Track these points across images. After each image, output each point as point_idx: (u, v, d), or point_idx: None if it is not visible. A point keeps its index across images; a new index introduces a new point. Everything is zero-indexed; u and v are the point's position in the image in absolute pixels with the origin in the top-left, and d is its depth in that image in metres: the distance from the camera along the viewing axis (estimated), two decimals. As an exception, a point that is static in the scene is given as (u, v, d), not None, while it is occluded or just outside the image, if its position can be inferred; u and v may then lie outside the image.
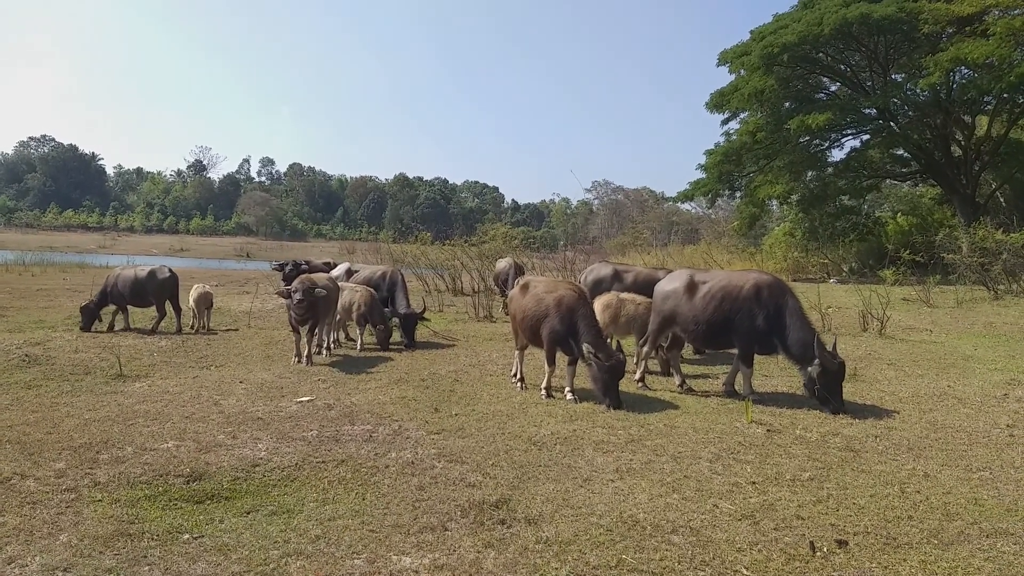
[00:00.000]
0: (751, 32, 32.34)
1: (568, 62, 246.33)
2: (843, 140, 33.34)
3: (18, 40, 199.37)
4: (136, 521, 5.11)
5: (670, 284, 9.76)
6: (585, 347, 8.61)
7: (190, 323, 14.92)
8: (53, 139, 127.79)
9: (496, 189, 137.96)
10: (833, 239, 32.05)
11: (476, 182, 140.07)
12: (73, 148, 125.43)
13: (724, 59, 33.16)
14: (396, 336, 13.55)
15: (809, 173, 33.25)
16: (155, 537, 4.85)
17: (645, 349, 9.97)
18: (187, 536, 4.89)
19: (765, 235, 40.29)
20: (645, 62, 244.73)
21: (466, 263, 24.89)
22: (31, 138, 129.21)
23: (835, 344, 8.72)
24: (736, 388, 9.37)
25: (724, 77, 48.73)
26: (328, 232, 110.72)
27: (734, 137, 33.01)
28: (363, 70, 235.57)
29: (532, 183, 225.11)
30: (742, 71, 31.70)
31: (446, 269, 25.59)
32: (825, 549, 4.82)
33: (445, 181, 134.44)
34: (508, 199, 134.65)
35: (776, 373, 10.56)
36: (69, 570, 4.38)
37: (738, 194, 35.41)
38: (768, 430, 7.65)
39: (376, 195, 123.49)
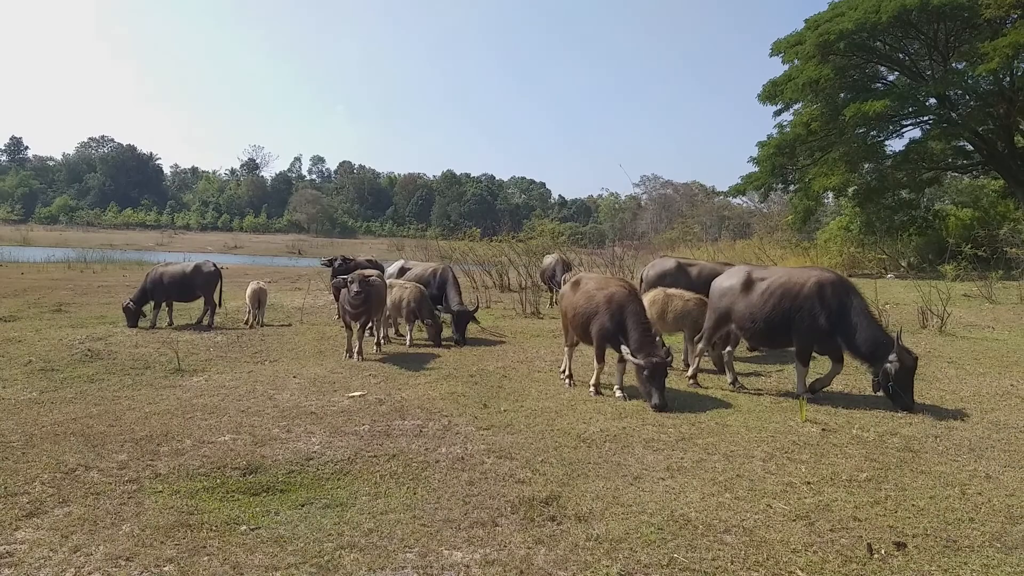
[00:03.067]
0: (805, 21, 31.56)
1: (617, 55, 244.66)
2: (902, 131, 32.35)
3: (81, 45, 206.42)
4: (195, 512, 5.25)
5: (727, 281, 9.59)
6: (623, 350, 8.56)
7: (245, 319, 15.27)
8: (112, 139, 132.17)
9: (543, 185, 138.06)
10: (891, 233, 31.11)
11: (523, 178, 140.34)
12: (132, 148, 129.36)
13: (777, 49, 32.47)
14: (446, 332, 13.63)
15: (866, 165, 32.34)
16: (214, 528, 4.98)
17: (700, 346, 9.83)
18: (244, 527, 5.01)
19: (819, 229, 39.35)
20: (695, 54, 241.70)
21: (513, 259, 24.91)
22: (91, 139, 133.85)
23: (900, 338, 8.50)
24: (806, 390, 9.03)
25: (776, 67, 47.89)
26: (377, 229, 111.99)
27: (787, 129, 32.29)
28: (412, 68, 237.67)
29: (579, 178, 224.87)
30: (796, 61, 30.98)
31: (493, 265, 25.65)
32: (883, 551, 4.71)
33: (492, 177, 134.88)
34: (555, 194, 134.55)
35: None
36: (132, 559, 4.52)
37: (791, 187, 34.63)
38: (823, 429, 7.49)
39: (424, 192, 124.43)
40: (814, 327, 8.67)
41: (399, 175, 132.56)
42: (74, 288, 23.03)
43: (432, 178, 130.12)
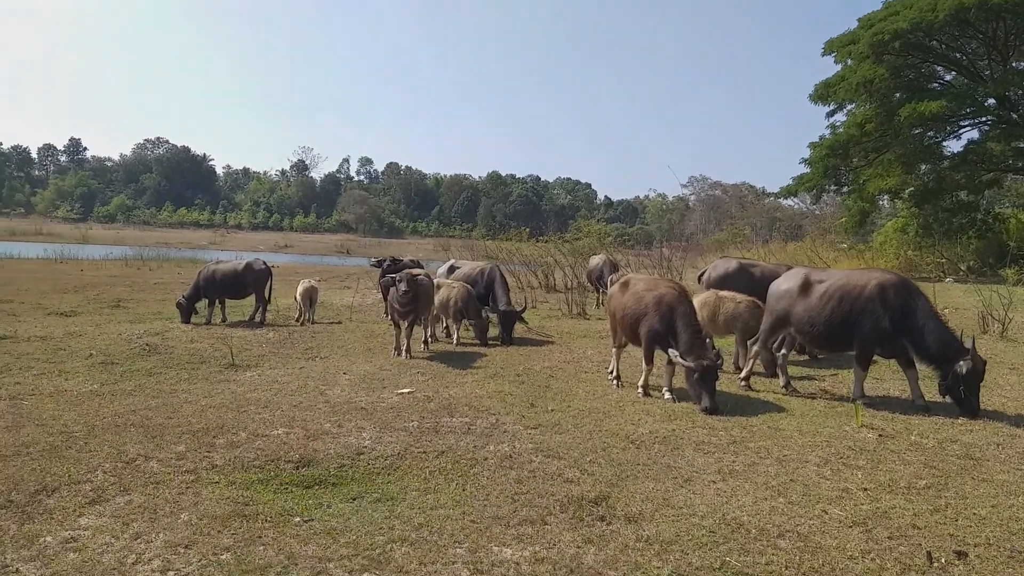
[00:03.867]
0: (859, 20, 30.86)
1: (664, 55, 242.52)
2: (960, 132, 31.42)
3: (137, 47, 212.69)
4: (250, 503, 5.36)
5: (784, 284, 9.38)
6: (671, 353, 8.47)
7: (296, 316, 15.54)
8: (167, 141, 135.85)
9: (588, 185, 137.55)
10: (949, 236, 30.21)
11: (568, 179, 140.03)
12: (186, 149, 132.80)
13: (830, 48, 31.81)
14: (492, 331, 13.68)
15: (923, 166, 31.48)
16: (268, 519, 5.07)
17: (755, 349, 9.68)
18: (298, 519, 5.09)
19: (874, 232, 38.40)
20: (744, 53, 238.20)
21: (559, 259, 24.87)
22: (147, 140, 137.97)
23: (974, 341, 8.23)
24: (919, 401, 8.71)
25: (828, 67, 46.95)
26: (423, 229, 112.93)
27: (840, 129, 31.60)
28: (456, 71, 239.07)
29: (626, 179, 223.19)
30: (849, 61, 30.32)
31: (539, 266, 25.66)
32: (943, 560, 4.57)
33: (537, 178, 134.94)
34: (601, 195, 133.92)
35: (888, 376, 10.07)
36: (190, 547, 4.63)
37: (845, 189, 33.86)
38: (880, 435, 7.31)
39: (470, 193, 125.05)
40: (876, 330, 8.44)
41: (445, 176, 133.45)
42: (131, 285, 23.73)
43: (478, 179, 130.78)
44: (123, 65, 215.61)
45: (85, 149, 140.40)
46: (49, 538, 4.73)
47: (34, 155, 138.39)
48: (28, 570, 4.31)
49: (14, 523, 4.94)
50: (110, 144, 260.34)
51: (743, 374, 9.64)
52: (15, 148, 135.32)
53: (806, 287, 9.04)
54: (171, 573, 4.30)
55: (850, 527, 5.07)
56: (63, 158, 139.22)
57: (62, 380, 9.40)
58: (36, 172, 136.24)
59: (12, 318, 14.88)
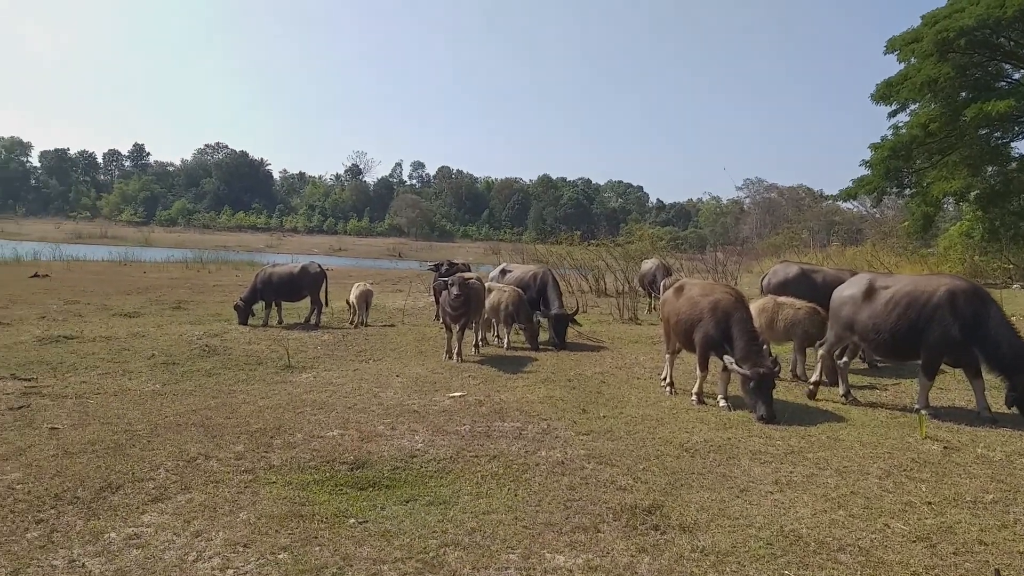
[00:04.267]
0: (922, 17, 29.89)
1: (718, 55, 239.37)
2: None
3: (198, 55, 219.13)
4: (307, 504, 5.44)
5: (848, 290, 9.09)
6: (726, 359, 8.32)
7: (350, 319, 15.77)
8: (227, 146, 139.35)
9: (640, 188, 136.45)
10: (1017, 240, 29.02)
11: (620, 181, 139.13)
12: (244, 154, 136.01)
13: (892, 47, 30.90)
14: (543, 336, 13.64)
15: (989, 168, 30.34)
16: (324, 520, 5.15)
17: (821, 354, 9.37)
18: (353, 520, 5.16)
19: (938, 236, 37.17)
20: (801, 52, 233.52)
21: (610, 264, 24.71)
22: (207, 145, 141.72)
23: None
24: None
25: (890, 66, 45.69)
26: (474, 233, 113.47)
27: (903, 130, 30.67)
28: (508, 73, 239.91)
29: (678, 181, 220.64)
30: (912, 59, 29.41)
31: (589, 270, 25.53)
32: (1012, 578, 4.39)
33: (588, 181, 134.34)
34: (653, 198, 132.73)
35: (953, 386, 9.73)
36: (249, 546, 4.72)
37: (907, 192, 32.83)
38: (945, 447, 7.06)
39: (520, 196, 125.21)
40: (945, 339, 8.12)
41: (496, 180, 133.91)
42: (192, 287, 24.40)
43: (528, 182, 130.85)
44: (184, 73, 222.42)
45: (148, 154, 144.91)
46: (114, 534, 4.88)
47: (100, 160, 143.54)
48: (94, 565, 4.45)
49: (80, 519, 5.11)
50: (172, 149, 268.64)
51: (812, 380, 9.36)
52: (82, 153, 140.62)
53: (871, 293, 8.75)
54: (230, 571, 4.40)
55: (914, 542, 4.92)
56: (127, 163, 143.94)
57: (126, 380, 9.71)
58: (102, 177, 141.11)
59: (79, 319, 15.43)
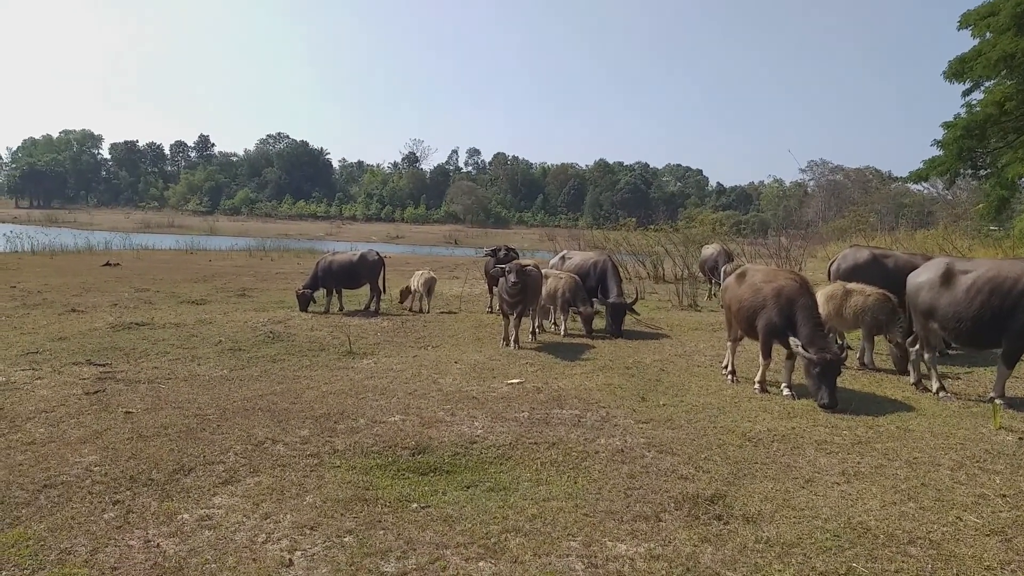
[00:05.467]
0: (999, -11, 28.57)
1: (779, 32, 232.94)
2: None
3: (261, 48, 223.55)
4: (370, 488, 5.54)
5: (924, 275, 8.72)
6: (792, 342, 8.11)
7: (409, 305, 15.98)
8: (288, 136, 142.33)
9: (700, 172, 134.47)
10: (1097, 222, 27.64)
11: (678, 165, 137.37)
12: (304, 144, 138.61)
13: (967, 21, 29.56)
14: (598, 323, 13.53)
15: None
16: (387, 504, 5.23)
17: (915, 349, 8.97)
18: (415, 505, 5.23)
19: (1015, 218, 35.58)
20: (867, 28, 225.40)
21: (669, 249, 24.39)
22: (269, 136, 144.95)
23: None
24: None
25: (963, 42, 43.72)
26: (529, 219, 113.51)
27: (977, 109, 29.38)
28: (567, 57, 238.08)
29: (739, 164, 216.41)
30: (987, 34, 28.11)
31: (648, 255, 25.25)
32: (1094, 575, 4.21)
33: (646, 165, 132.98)
34: (712, 182, 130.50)
35: (1031, 375, 9.34)
36: (315, 529, 4.84)
37: (982, 173, 31.47)
38: (1020, 438, 6.80)
39: (576, 182, 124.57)
40: None
41: (551, 165, 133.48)
42: (255, 274, 25.01)
43: (584, 167, 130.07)
44: (248, 65, 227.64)
45: (213, 145, 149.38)
46: (186, 515, 5.05)
47: (167, 152, 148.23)
48: (168, 545, 4.62)
49: (155, 500, 5.30)
50: (236, 140, 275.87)
51: (912, 379, 8.99)
52: (150, 145, 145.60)
53: (949, 278, 8.36)
54: (298, 553, 4.51)
55: (987, 536, 4.77)
56: (193, 154, 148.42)
57: (195, 365, 10.01)
58: (168, 168, 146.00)
59: (149, 306, 15.98)
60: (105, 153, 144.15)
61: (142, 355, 10.54)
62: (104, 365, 9.78)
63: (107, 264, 26.46)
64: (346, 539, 4.68)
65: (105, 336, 11.90)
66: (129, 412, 7.53)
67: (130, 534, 4.77)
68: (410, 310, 15.84)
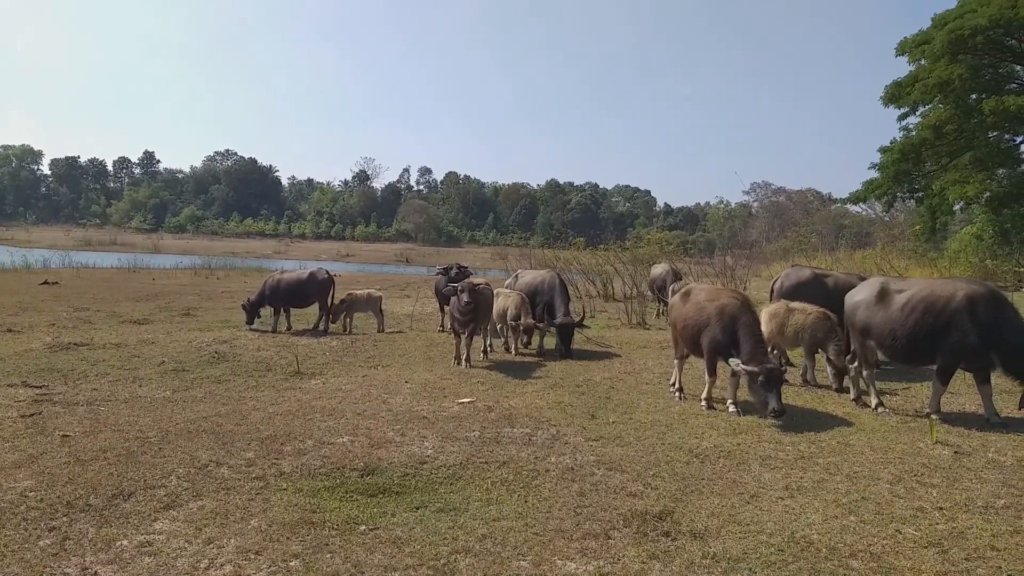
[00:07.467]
0: (932, 19, 29.87)
1: (724, 60, 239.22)
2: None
3: (209, 63, 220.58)
4: (317, 511, 5.46)
5: (860, 294, 8.99)
6: (732, 362, 8.29)
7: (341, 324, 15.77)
8: (236, 153, 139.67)
9: (648, 192, 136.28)
10: (1028, 243, 28.88)
11: (627, 186, 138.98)
12: (253, 161, 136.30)
13: (903, 49, 30.84)
14: (549, 342, 13.53)
15: (1000, 171, 30.20)
16: (335, 527, 5.16)
17: (854, 367, 9.21)
18: (363, 527, 5.17)
19: (948, 239, 36.98)
20: (810, 55, 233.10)
21: (618, 268, 24.67)
22: (216, 152, 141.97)
23: None
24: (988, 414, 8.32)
25: (900, 68, 45.54)
26: (481, 238, 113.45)
27: (913, 133, 30.57)
28: (517, 79, 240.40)
29: (685, 185, 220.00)
30: (923, 60, 29.37)
31: (598, 275, 25.51)
32: (1026, 585, 4.37)
33: (596, 186, 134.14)
34: (660, 202, 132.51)
35: (963, 391, 9.67)
36: (260, 553, 4.74)
37: (917, 195, 32.70)
38: (956, 452, 7.02)
39: (528, 201, 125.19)
40: (964, 345, 8.00)
41: (503, 185, 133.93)
42: (200, 293, 24.49)
43: (536, 187, 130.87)
44: (194, 80, 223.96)
45: (158, 162, 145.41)
46: (125, 542, 4.90)
47: (110, 168, 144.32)
48: (106, 573, 4.48)
49: (92, 527, 5.14)
50: (182, 157, 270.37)
51: (852, 395, 9.23)
52: (92, 161, 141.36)
53: (884, 297, 8.65)
54: (242, 578, 4.41)
55: (925, 547, 4.91)
56: (137, 170, 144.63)
57: (136, 387, 9.75)
58: (111, 184, 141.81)
59: (88, 326, 15.51)
60: (45, 169, 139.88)
61: (81, 376, 10.23)
62: (40, 387, 9.46)
63: (45, 283, 25.62)
64: (292, 563, 4.60)
65: (42, 357, 11.52)
66: (66, 435, 7.29)
67: (66, 561, 4.61)
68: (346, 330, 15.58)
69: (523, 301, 13.19)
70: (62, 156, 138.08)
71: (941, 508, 5.60)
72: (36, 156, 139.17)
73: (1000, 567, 4.60)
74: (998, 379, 8.32)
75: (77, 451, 6.78)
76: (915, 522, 5.33)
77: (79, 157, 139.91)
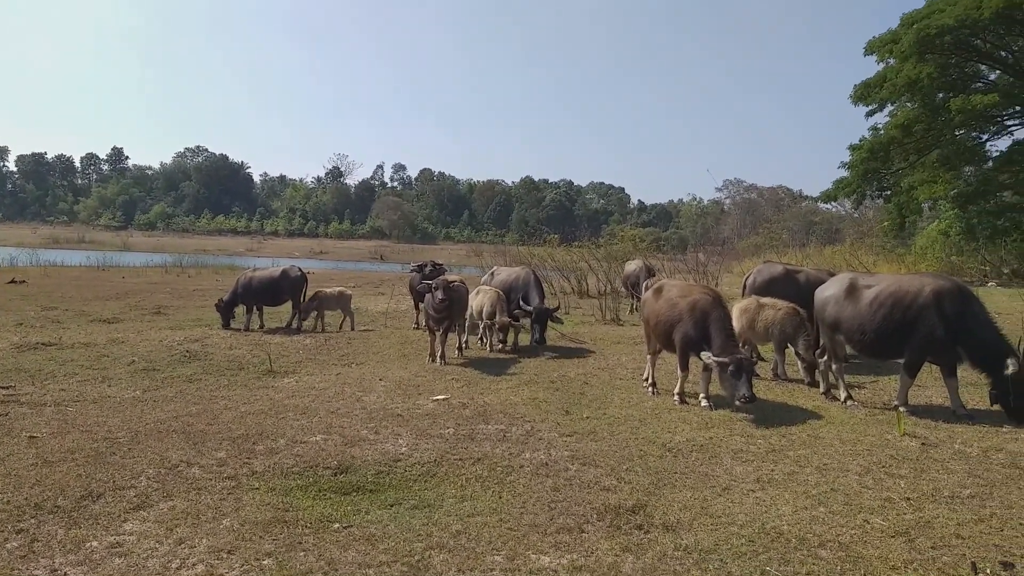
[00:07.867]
0: (901, 18, 30.31)
1: (697, 57, 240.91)
2: (1008, 130, 30.64)
3: (178, 59, 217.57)
4: (290, 509, 5.43)
5: (829, 290, 9.15)
6: (704, 355, 8.37)
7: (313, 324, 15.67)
8: (207, 149, 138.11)
9: (622, 190, 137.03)
10: (993, 239, 29.48)
11: (601, 183, 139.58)
12: (224, 157, 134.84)
13: (871, 48, 31.28)
14: (524, 339, 13.58)
15: (967, 168, 30.80)
16: (308, 525, 5.14)
17: (823, 361, 9.37)
18: (337, 525, 5.16)
19: (915, 235, 37.64)
20: (780, 53, 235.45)
21: (593, 265, 24.77)
22: (187, 148, 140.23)
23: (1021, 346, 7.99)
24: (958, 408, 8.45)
25: (869, 66, 46.17)
26: (456, 235, 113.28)
27: (882, 132, 31.03)
28: (491, 76, 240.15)
29: (659, 183, 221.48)
30: (891, 60, 29.82)
31: (572, 271, 25.60)
32: (988, 571, 4.49)
33: (570, 183, 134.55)
34: (634, 199, 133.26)
35: (930, 383, 9.86)
36: (233, 553, 4.71)
37: (885, 193, 33.24)
38: (923, 443, 7.16)
39: (502, 198, 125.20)
40: (931, 339, 8.15)
41: (478, 182, 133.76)
42: (171, 292, 24.19)
43: (511, 184, 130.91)
44: (163, 76, 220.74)
45: (127, 158, 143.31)
46: (95, 543, 4.85)
47: (77, 164, 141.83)
48: (76, 574, 4.43)
49: (61, 528, 5.07)
50: (151, 153, 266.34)
51: (822, 389, 9.38)
52: (59, 157, 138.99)
53: (853, 292, 8.80)
54: (214, 578, 4.38)
55: (892, 537, 5.00)
56: (105, 167, 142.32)
57: (105, 386, 9.62)
58: (79, 181, 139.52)
59: (56, 325, 15.27)
60: (11, 166, 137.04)
61: (48, 376, 10.07)
62: (7, 388, 9.30)
63: (12, 281, 25.14)
64: (265, 562, 4.57)
65: (8, 357, 11.32)
66: (34, 436, 7.18)
67: (35, 563, 4.55)
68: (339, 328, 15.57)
69: (499, 298, 13.21)
70: (28, 152, 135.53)
71: (908, 498, 5.70)
72: (2, 152, 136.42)
73: (964, 555, 4.69)
74: (964, 372, 8.49)
75: (45, 452, 6.68)
76: (883, 512, 5.43)
77: (46, 153, 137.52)
